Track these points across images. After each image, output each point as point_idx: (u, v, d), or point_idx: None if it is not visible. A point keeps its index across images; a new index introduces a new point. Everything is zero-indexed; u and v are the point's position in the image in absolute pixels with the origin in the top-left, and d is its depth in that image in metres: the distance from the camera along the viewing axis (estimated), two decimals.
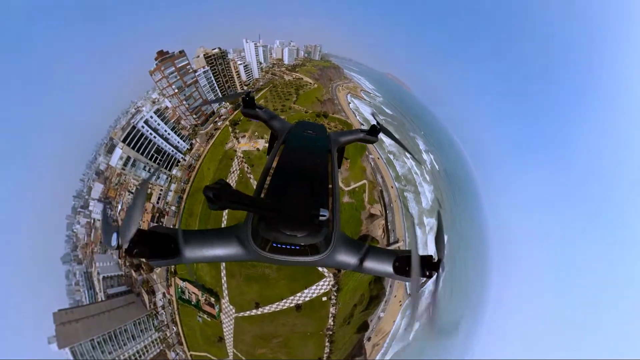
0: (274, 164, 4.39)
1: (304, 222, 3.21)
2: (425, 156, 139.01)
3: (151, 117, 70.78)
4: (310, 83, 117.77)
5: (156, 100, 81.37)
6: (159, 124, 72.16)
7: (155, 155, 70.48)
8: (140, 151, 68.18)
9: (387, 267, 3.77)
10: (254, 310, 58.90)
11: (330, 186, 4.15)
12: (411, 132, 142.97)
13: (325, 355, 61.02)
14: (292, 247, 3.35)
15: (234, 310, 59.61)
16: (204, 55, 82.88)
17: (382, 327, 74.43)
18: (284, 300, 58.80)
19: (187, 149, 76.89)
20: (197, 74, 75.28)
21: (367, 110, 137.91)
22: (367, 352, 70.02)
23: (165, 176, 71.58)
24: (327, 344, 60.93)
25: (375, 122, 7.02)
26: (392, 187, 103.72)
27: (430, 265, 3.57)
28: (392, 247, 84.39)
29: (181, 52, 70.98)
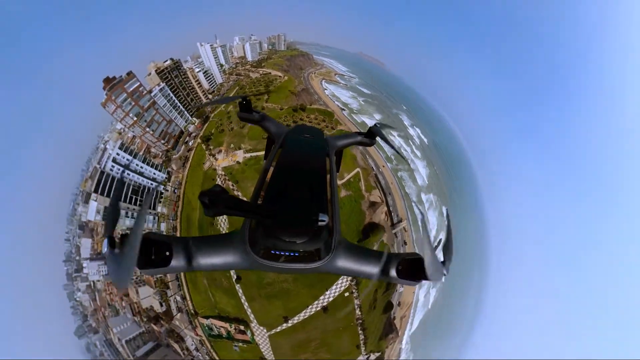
0: (271, 169, 4.19)
1: (303, 228, 3.04)
2: (411, 131, 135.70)
3: (117, 154, 63.47)
4: (280, 76, 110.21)
5: (122, 130, 73.45)
6: (128, 160, 64.78)
7: (134, 196, 63.54)
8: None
9: (391, 271, 3.51)
10: (284, 324, 60.61)
11: (329, 190, 3.99)
12: (394, 109, 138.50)
13: (362, 341, 65.35)
14: (291, 254, 3.15)
15: (265, 331, 60.99)
16: (156, 70, 74.68)
17: (404, 300, 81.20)
18: (310, 307, 60.97)
19: (165, 178, 70.22)
20: (152, 94, 67.40)
21: (345, 94, 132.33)
22: (397, 327, 75.31)
23: (151, 217, 65.41)
24: (360, 332, 64.95)
25: (372, 125, 6.38)
26: (383, 166, 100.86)
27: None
28: (396, 227, 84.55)
29: (129, 74, 62.88)
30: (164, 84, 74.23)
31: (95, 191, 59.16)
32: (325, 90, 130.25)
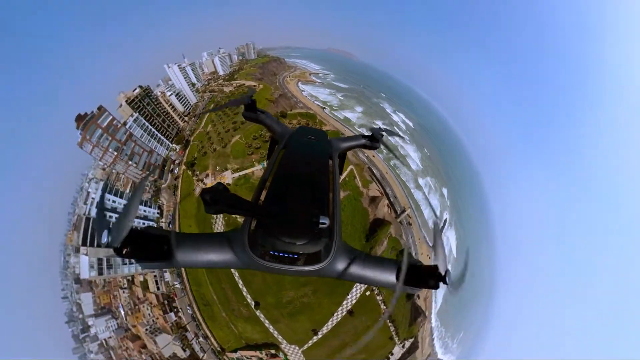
0: (274, 170, 4.31)
1: (304, 230, 3.11)
2: (395, 117, 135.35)
3: (101, 196, 59.31)
4: (255, 85, 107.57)
5: (105, 167, 68.86)
6: (114, 202, 60.51)
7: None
8: None
9: (390, 277, 3.59)
10: (315, 337, 60.96)
11: (331, 193, 4.02)
12: (373, 98, 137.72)
13: (393, 332, 66.90)
14: (290, 256, 3.19)
15: (297, 348, 60.74)
16: (127, 101, 71.20)
17: None
18: (335, 314, 61.88)
19: (158, 214, 66.13)
20: (128, 126, 64.13)
21: (323, 93, 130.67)
22: (423, 309, 77.62)
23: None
24: (389, 324, 66.67)
25: (377, 127, 6.84)
26: (373, 155, 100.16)
27: (436, 276, 3.35)
28: (400, 216, 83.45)
29: (100, 108, 59.55)
30: (137, 113, 70.86)
31: (84, 243, 55.04)
32: (303, 92, 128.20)
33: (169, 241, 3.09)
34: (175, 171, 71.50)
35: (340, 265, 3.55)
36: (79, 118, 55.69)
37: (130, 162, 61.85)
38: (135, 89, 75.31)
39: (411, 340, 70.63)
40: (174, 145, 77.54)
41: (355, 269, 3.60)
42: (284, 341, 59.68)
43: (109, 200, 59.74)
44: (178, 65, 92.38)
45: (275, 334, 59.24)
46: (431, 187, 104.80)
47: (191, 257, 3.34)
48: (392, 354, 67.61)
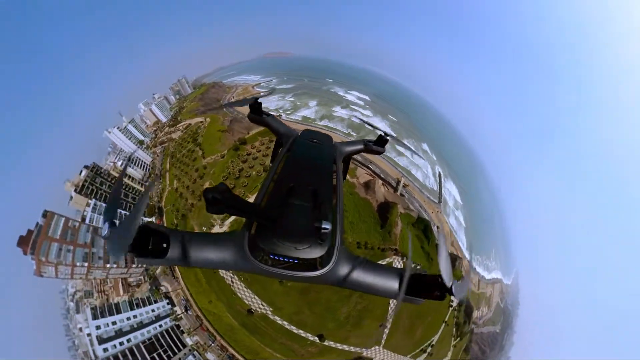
0: (277, 173, 4.38)
1: (305, 235, 2.99)
2: (350, 97, 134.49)
3: (98, 327, 48.34)
4: (202, 121, 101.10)
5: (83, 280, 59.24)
6: (114, 326, 49.86)
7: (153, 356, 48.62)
8: None
9: (393, 285, 3.43)
10: (385, 329, 60.83)
11: (334, 198, 3.96)
12: (322, 86, 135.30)
13: None
14: (291, 260, 3.06)
15: (378, 347, 60.52)
16: (76, 189, 63.88)
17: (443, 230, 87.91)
18: (391, 301, 61.29)
19: (170, 307, 56.81)
20: (87, 220, 56.89)
21: (272, 100, 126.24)
22: (455, 252, 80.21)
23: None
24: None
25: (382, 133, 6.76)
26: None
27: (440, 287, 3.26)
28: (398, 189, 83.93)
29: (45, 214, 51.74)
30: (94, 199, 63.61)
31: None
32: None
33: (168, 238, 3.05)
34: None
35: (342, 272, 3.31)
36: (22, 241, 44.89)
37: (107, 265, 52.77)
38: (81, 172, 67.83)
39: (459, 280, 75.65)
40: (147, 219, 70.41)
41: (357, 276, 3.36)
42: (364, 349, 58.99)
43: (106, 328, 48.94)
44: (118, 128, 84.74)
45: (352, 349, 58.19)
46: (411, 148, 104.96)
47: (191, 255, 3.14)
48: (452, 301, 69.75)
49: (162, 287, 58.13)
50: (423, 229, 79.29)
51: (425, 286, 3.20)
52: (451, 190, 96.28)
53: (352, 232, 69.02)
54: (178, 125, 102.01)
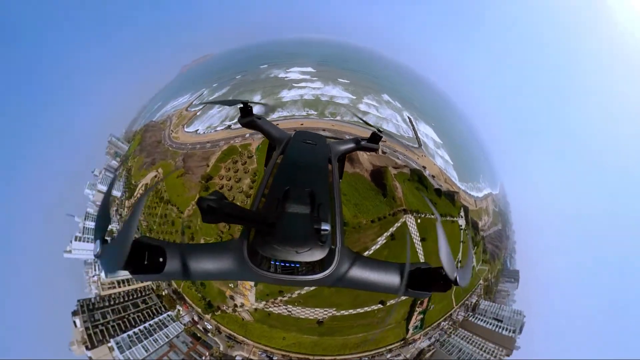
0: (272, 176, 4.23)
1: (305, 238, 3.00)
2: (291, 75, 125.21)
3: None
4: (156, 173, 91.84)
5: None
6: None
7: None
8: None
9: (394, 279, 3.44)
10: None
11: (332, 198, 3.93)
12: (260, 75, 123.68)
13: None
14: (292, 265, 3.08)
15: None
16: (84, 342, 58.05)
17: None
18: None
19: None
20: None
21: (214, 115, 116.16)
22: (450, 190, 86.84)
23: None
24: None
25: (375, 129, 6.82)
26: (324, 130, 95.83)
27: (444, 278, 3.25)
28: (379, 147, 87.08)
29: None
30: (114, 339, 58.00)
31: None
32: (198, 131, 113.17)
33: (164, 252, 2.93)
34: (210, 326, 60.43)
35: (346, 273, 3.36)
36: None
37: None
38: (75, 323, 61.64)
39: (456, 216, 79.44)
40: (170, 313, 65.06)
41: (357, 273, 3.42)
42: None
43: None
44: (76, 238, 76.13)
45: None
46: (373, 104, 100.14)
47: (188, 268, 3.10)
48: (461, 225, 73.41)
49: (237, 357, 56.77)
50: (418, 179, 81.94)
51: (427, 279, 3.13)
52: (426, 132, 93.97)
53: (361, 213, 67.28)
54: (136, 193, 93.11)
